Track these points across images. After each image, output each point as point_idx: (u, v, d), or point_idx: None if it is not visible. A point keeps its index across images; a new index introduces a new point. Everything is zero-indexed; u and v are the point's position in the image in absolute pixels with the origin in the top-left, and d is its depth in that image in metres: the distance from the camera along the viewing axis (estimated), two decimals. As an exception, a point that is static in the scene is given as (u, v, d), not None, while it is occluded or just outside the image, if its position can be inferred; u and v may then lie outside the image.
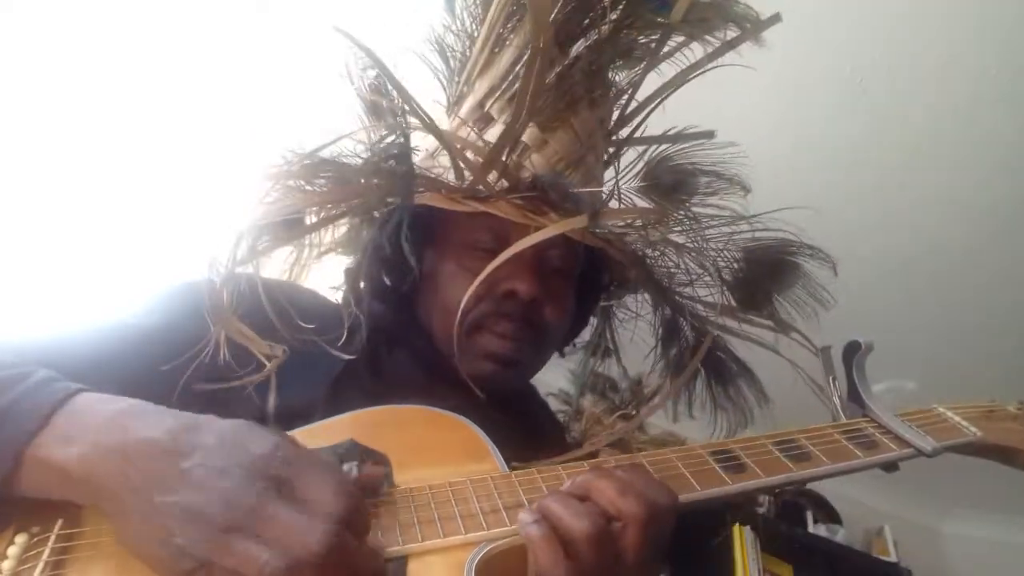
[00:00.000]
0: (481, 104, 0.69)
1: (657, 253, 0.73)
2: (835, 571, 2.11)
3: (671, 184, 0.73)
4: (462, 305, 0.63)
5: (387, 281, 0.67)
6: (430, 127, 0.64)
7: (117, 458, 0.39)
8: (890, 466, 0.57)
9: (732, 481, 0.51)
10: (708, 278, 0.73)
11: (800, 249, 0.72)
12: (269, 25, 1.44)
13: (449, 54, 0.76)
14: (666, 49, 0.72)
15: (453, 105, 0.74)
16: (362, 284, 0.69)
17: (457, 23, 0.74)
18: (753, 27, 0.68)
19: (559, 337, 0.75)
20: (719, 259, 0.72)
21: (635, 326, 0.82)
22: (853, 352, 0.64)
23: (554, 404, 0.96)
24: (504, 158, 0.65)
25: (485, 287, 0.64)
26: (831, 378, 0.64)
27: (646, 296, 0.78)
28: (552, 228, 0.63)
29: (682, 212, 0.72)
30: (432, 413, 0.57)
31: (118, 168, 1.42)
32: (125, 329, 0.59)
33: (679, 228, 0.71)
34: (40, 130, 1.34)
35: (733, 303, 0.74)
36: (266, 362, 0.58)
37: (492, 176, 0.65)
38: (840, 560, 2.16)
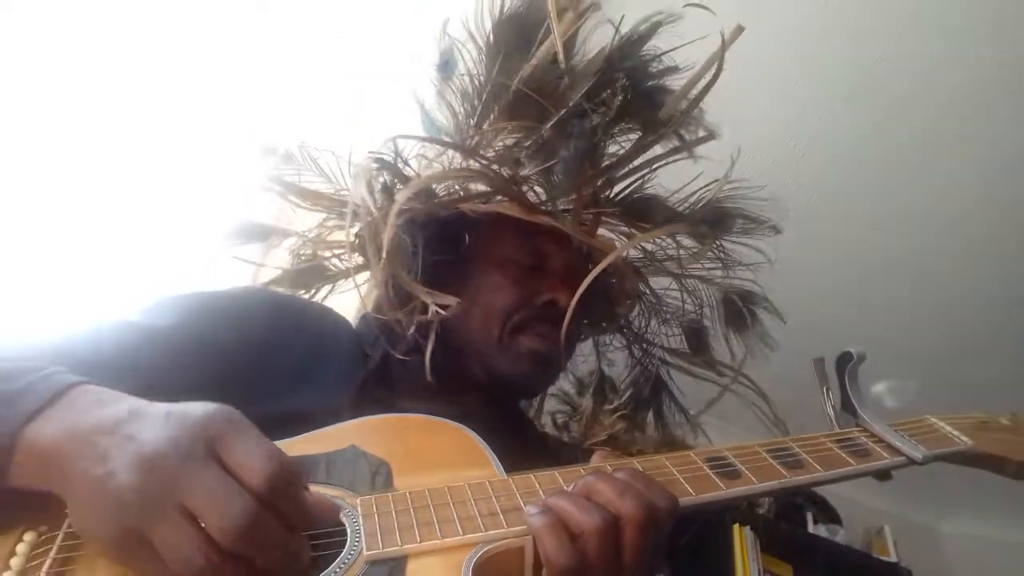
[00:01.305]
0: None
1: (652, 289, 0.83)
2: (835, 571, 2.11)
3: (712, 221, 0.79)
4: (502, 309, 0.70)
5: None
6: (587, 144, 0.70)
7: (74, 439, 0.40)
8: (883, 474, 0.58)
9: (727, 487, 0.52)
10: (681, 316, 0.85)
11: (759, 301, 0.83)
12: (269, 25, 1.44)
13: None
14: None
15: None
16: (391, 293, 0.72)
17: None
18: (691, 143, 0.76)
19: (571, 353, 0.81)
20: (703, 297, 0.83)
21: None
22: (846, 362, 0.65)
23: (553, 404, 0.97)
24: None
25: (524, 297, 0.71)
26: (825, 388, 0.65)
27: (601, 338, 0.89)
28: (652, 233, 0.76)
29: (718, 245, 0.81)
30: (433, 421, 0.57)
31: (118, 168, 1.42)
32: (132, 329, 0.60)
33: (706, 265, 0.81)
34: (40, 130, 1.34)
35: (687, 346, 0.86)
36: (441, 311, 0.65)
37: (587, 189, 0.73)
38: (840, 560, 2.17)
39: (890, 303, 1.99)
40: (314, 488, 0.49)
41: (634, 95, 0.71)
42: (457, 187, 0.75)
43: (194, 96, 1.46)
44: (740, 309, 0.82)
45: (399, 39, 0.76)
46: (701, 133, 0.76)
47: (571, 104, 0.69)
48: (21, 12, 1.30)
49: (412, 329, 0.68)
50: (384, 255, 0.66)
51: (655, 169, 0.78)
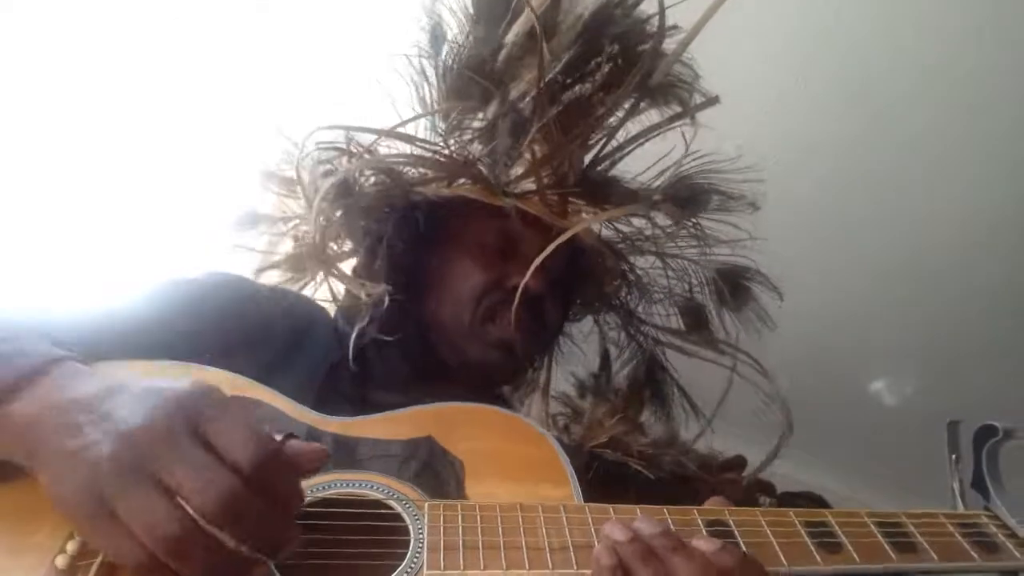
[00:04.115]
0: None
1: (642, 271, 0.81)
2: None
3: (686, 199, 0.76)
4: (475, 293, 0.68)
5: (392, 278, 0.70)
6: (519, 120, 0.68)
7: (49, 413, 0.40)
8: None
9: (824, 561, 0.45)
10: (674, 296, 0.82)
11: (754, 276, 0.79)
12: (269, 25, 1.43)
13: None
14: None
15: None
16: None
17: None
18: (693, 108, 0.74)
19: (550, 340, 0.81)
20: (693, 276, 0.80)
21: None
22: (987, 437, 0.55)
23: (554, 407, 0.97)
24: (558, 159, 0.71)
25: (493, 281, 0.69)
26: (954, 456, 0.57)
27: (601, 318, 0.87)
28: (611, 213, 0.71)
29: (692, 225, 0.78)
30: (512, 420, 0.55)
31: (118, 168, 1.42)
32: (113, 319, 0.60)
33: (685, 243, 0.78)
34: (40, 129, 1.34)
35: (682, 326, 0.83)
36: (365, 298, 0.65)
37: (546, 170, 0.71)
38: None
39: (892, 304, 1.99)
40: (383, 481, 0.49)
41: (624, 62, 0.69)
42: (418, 171, 0.73)
43: (194, 96, 1.46)
44: (734, 285, 0.79)
45: (403, 38, 0.76)
46: (698, 99, 0.74)
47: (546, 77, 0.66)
48: (21, 12, 1.30)
49: (366, 320, 0.67)
50: (317, 240, 0.66)
51: (648, 140, 0.75)
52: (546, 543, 0.44)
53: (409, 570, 0.42)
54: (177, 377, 0.41)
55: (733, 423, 0.89)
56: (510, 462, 0.52)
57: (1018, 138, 1.56)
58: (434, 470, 0.50)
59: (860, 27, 1.45)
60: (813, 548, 0.46)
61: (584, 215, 0.78)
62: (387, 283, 0.69)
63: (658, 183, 0.76)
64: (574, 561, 0.43)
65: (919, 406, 2.25)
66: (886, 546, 0.47)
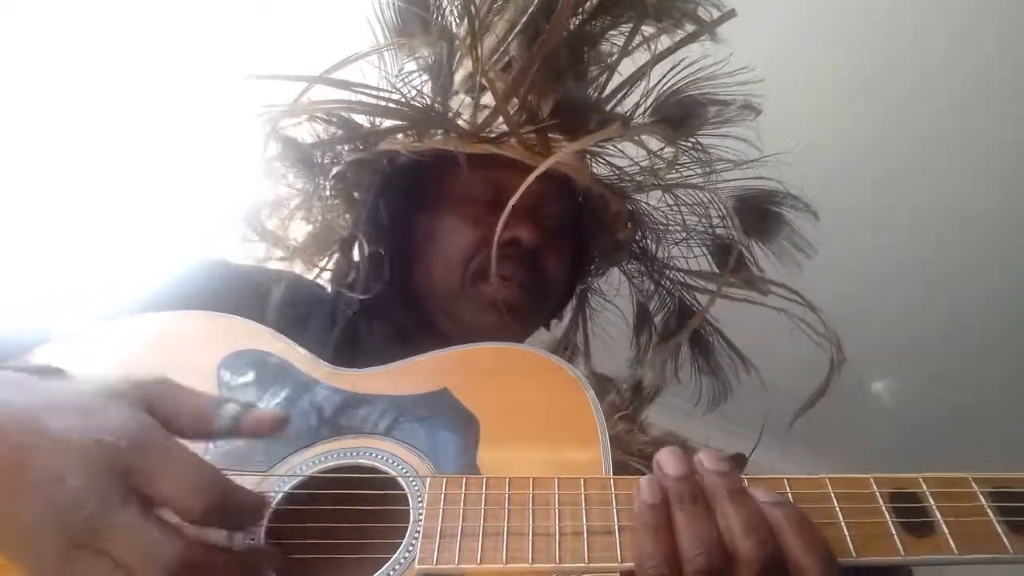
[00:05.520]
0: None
1: (651, 207, 0.74)
2: (835, 569, 2.10)
3: (679, 117, 0.69)
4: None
5: (381, 249, 0.67)
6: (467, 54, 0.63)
7: None
8: None
9: (906, 549, 0.35)
10: (698, 234, 0.74)
11: (784, 199, 0.71)
12: (269, 25, 1.43)
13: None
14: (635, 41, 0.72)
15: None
16: (356, 254, 0.69)
17: None
18: (710, 24, 0.67)
19: (556, 294, 0.74)
20: (711, 208, 0.72)
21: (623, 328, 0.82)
22: None
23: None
24: (525, 90, 0.64)
25: (483, 237, 0.63)
26: None
27: (627, 268, 0.79)
28: (585, 140, 0.63)
29: (691, 143, 0.70)
30: (541, 361, 0.49)
31: (117, 168, 1.42)
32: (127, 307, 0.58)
33: (691, 171, 0.70)
34: (40, 129, 1.34)
35: (714, 267, 0.74)
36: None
37: (512, 104, 0.64)
38: (840, 559, 2.15)
39: (894, 304, 1.99)
40: (389, 449, 0.45)
41: None
42: (375, 124, 0.67)
43: (194, 96, 1.46)
44: (761, 212, 0.70)
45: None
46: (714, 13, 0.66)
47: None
48: (21, 12, 1.30)
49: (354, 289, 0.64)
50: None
51: (652, 67, 0.67)
52: (556, 528, 0.38)
53: (401, 562, 0.39)
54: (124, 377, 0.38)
55: (730, 420, 0.89)
56: (532, 417, 0.46)
57: (1018, 138, 1.56)
58: (446, 432, 0.45)
59: (860, 27, 1.45)
60: (894, 529, 0.35)
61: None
62: (371, 256, 0.66)
63: (644, 105, 0.69)
64: (585, 551, 0.37)
65: (919, 406, 2.26)
66: (999, 528, 0.34)
